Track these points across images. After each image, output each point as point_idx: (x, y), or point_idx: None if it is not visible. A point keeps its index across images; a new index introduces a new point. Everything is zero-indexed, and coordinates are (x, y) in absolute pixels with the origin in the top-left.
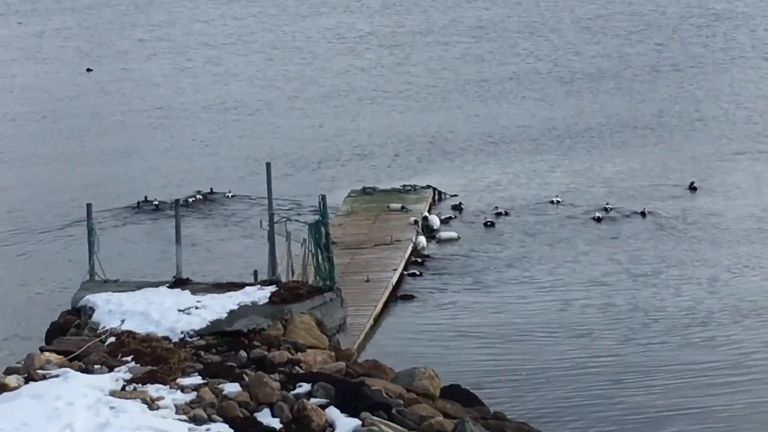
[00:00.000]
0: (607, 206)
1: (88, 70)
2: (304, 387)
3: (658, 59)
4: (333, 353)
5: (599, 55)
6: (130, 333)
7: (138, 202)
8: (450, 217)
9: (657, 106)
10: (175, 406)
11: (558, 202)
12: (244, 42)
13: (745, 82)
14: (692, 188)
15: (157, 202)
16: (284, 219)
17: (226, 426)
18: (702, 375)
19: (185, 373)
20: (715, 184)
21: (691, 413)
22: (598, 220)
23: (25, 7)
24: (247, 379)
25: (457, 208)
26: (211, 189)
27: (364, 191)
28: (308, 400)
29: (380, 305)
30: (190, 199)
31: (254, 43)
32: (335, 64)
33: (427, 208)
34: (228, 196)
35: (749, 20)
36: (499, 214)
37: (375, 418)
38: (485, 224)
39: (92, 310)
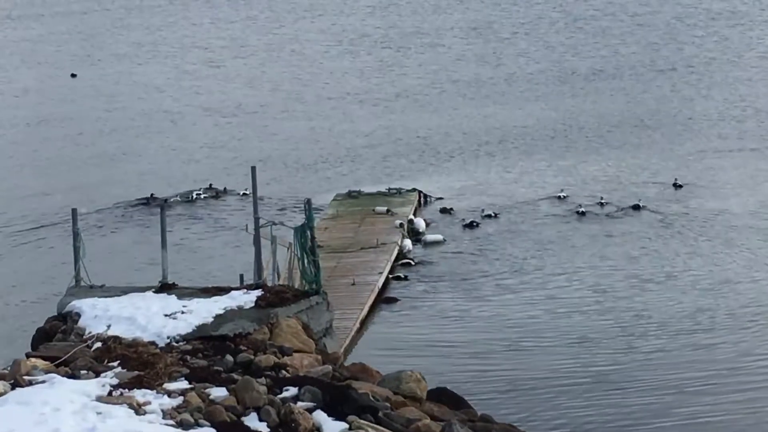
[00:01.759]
0: (602, 200)
1: (73, 75)
2: (291, 391)
3: (651, 59)
4: (319, 357)
5: (592, 55)
6: (116, 338)
7: (147, 199)
8: (429, 221)
9: (649, 105)
10: (162, 410)
11: (565, 197)
12: (237, 45)
13: (738, 80)
14: (676, 185)
15: (165, 198)
16: (270, 222)
17: (213, 430)
18: (702, 382)
19: (172, 378)
20: (706, 182)
21: (684, 422)
22: (582, 214)
23: (19, 12)
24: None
25: (446, 211)
26: (210, 185)
27: (350, 194)
28: (295, 403)
29: (366, 308)
30: (200, 195)
31: (247, 45)
32: (328, 67)
33: (412, 211)
34: (243, 194)
35: (743, 19)
36: (487, 216)
37: (362, 421)
38: (471, 226)
39: (78, 315)
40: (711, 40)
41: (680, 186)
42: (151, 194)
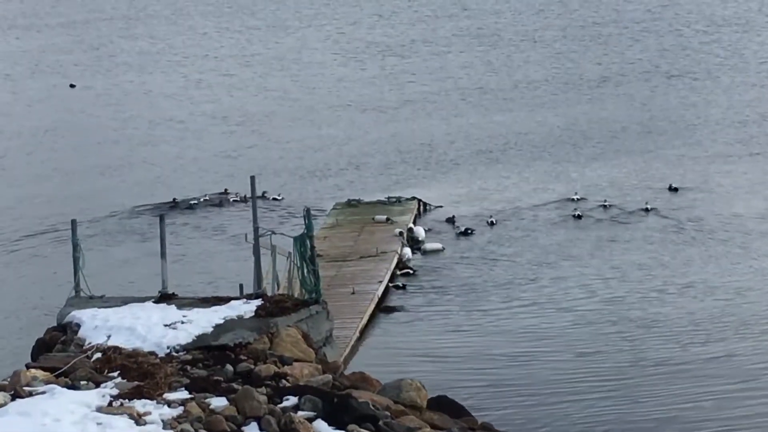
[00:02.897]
0: (605, 203)
1: (72, 86)
2: (291, 400)
3: (656, 65)
4: (320, 366)
5: (597, 62)
6: (116, 348)
7: (174, 199)
8: (428, 229)
9: (654, 111)
10: (162, 420)
11: (578, 199)
12: (241, 54)
13: (744, 86)
14: (671, 189)
15: (191, 202)
16: (269, 232)
17: None
18: (714, 394)
19: (172, 388)
20: (713, 186)
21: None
22: (579, 217)
23: (23, 22)
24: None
25: (446, 219)
26: (225, 189)
27: (349, 203)
28: (295, 413)
29: (366, 317)
30: (231, 198)
31: (252, 55)
32: (333, 75)
33: (412, 220)
34: (278, 198)
35: (747, 25)
36: (487, 224)
37: (362, 430)
38: (471, 234)
39: (78, 326)
40: (716, 46)
41: (675, 189)
42: (174, 198)
